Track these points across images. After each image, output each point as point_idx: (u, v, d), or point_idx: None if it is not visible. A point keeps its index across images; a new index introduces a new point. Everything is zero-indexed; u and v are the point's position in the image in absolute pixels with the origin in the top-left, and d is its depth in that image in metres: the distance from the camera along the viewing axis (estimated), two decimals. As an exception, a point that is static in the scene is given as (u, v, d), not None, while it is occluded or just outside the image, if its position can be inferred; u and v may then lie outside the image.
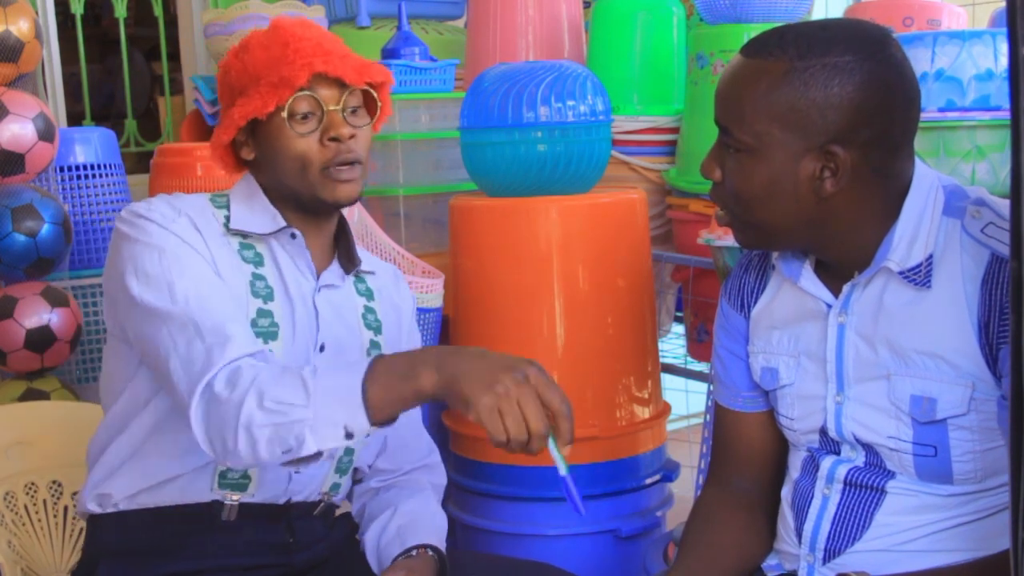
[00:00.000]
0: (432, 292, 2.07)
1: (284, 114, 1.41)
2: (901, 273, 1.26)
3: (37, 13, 2.61)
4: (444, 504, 2.25)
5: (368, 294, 1.59)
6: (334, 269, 1.53)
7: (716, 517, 1.48)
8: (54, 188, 2.38)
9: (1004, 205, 1.25)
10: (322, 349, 1.49)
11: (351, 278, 1.57)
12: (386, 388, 1.22)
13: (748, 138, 1.25)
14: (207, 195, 1.51)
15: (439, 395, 1.21)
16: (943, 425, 1.26)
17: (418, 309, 2.03)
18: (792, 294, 1.40)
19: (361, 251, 1.64)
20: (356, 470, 1.62)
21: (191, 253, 1.38)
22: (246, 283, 1.42)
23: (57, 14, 3.46)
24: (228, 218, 1.46)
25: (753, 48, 1.27)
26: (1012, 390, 0.82)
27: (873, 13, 3.27)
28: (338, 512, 1.62)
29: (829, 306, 1.34)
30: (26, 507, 1.80)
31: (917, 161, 1.30)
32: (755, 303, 1.45)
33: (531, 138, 2.02)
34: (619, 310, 2.07)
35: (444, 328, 2.16)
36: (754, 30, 2.51)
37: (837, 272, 1.33)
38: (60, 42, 3.44)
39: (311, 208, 1.47)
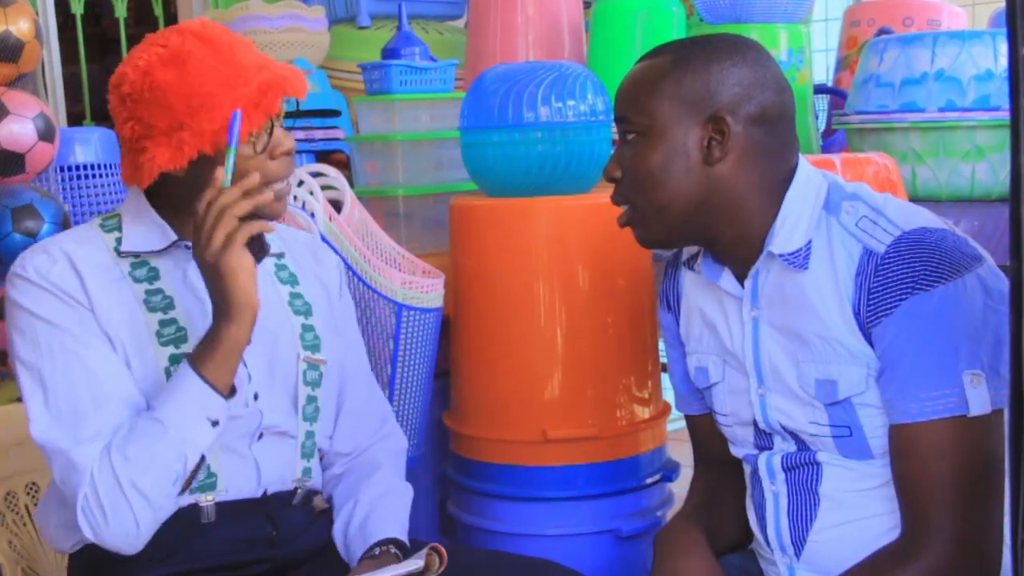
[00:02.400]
0: (432, 292, 2.07)
1: (252, 136, 1.41)
2: (782, 256, 1.35)
3: (37, 13, 2.61)
4: (444, 503, 2.26)
5: (292, 280, 1.60)
6: None
7: (716, 490, 1.57)
8: (54, 188, 2.37)
9: (880, 200, 1.36)
10: (249, 341, 1.48)
11: (270, 267, 1.57)
12: (210, 360, 1.37)
13: (644, 119, 1.38)
14: (97, 220, 1.51)
15: (231, 316, 1.36)
16: (849, 405, 1.34)
17: (418, 309, 2.03)
18: (708, 294, 1.48)
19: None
20: (320, 452, 1.63)
21: (58, 334, 1.40)
22: (139, 303, 1.44)
23: (57, 14, 3.47)
24: (120, 240, 1.47)
25: (642, 57, 1.44)
26: (1012, 390, 0.82)
27: (873, 13, 3.27)
28: (323, 507, 1.63)
29: (742, 300, 1.43)
30: (27, 507, 1.80)
31: (802, 159, 1.41)
32: (679, 304, 1.56)
33: (531, 138, 2.01)
34: (619, 310, 2.07)
35: (444, 328, 2.16)
36: (754, 30, 2.52)
37: (741, 273, 1.42)
38: (60, 42, 3.44)
39: None
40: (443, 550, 1.37)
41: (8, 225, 2.18)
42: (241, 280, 1.35)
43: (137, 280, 1.46)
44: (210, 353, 1.37)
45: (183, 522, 1.43)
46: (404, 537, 1.53)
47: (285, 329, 1.55)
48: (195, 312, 1.47)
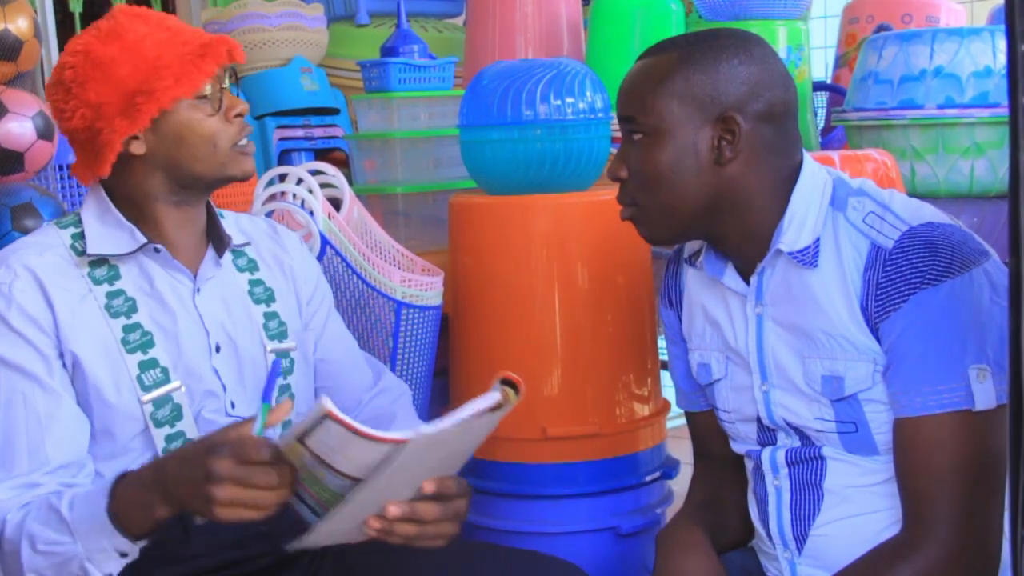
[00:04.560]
0: (432, 290, 2.07)
1: (206, 93, 1.43)
2: (791, 254, 1.34)
3: (36, 12, 2.61)
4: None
5: (251, 267, 1.57)
6: (209, 258, 1.51)
7: (717, 488, 1.57)
8: (53, 187, 2.37)
9: (886, 196, 1.36)
10: (218, 349, 1.48)
11: (228, 258, 1.55)
12: (130, 515, 1.26)
13: (651, 119, 1.35)
14: (52, 224, 1.48)
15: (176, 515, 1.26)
16: (855, 401, 1.33)
17: (418, 307, 2.03)
18: (711, 291, 1.48)
19: (232, 215, 1.62)
20: None
21: (9, 372, 1.35)
22: (101, 311, 1.40)
23: (56, 12, 3.47)
24: (78, 236, 1.44)
25: (646, 52, 1.41)
26: (1012, 390, 0.82)
27: (872, 10, 3.27)
28: None
29: (746, 297, 1.42)
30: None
31: (806, 155, 1.40)
32: (681, 301, 1.55)
33: (530, 136, 2.01)
34: (619, 307, 2.07)
35: (444, 326, 2.16)
36: (753, 27, 2.52)
37: (746, 269, 1.41)
38: (59, 41, 3.44)
39: (207, 187, 1.47)
40: (517, 379, 1.22)
41: (7, 224, 2.18)
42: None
43: (97, 281, 1.42)
44: (129, 499, 1.27)
45: (175, 527, 1.41)
46: None
47: (247, 326, 1.52)
48: (159, 315, 1.44)
